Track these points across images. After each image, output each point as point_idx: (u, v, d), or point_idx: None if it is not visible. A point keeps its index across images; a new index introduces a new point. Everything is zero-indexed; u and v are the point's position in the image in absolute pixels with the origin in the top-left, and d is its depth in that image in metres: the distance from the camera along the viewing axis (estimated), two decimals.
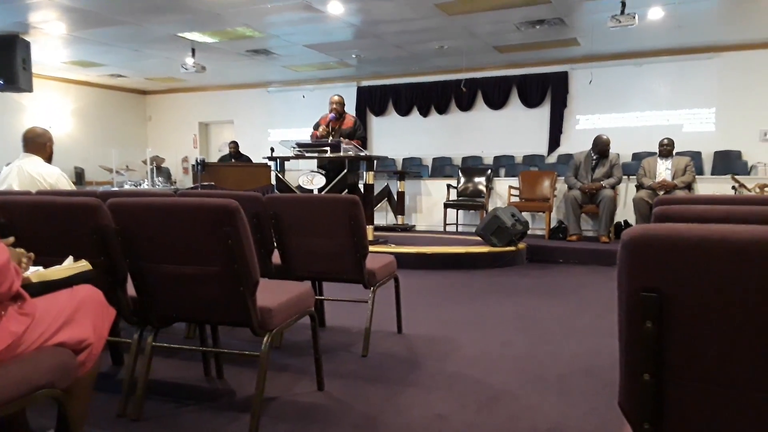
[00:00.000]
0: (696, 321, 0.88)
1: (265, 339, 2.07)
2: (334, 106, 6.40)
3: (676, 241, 0.87)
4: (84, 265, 1.69)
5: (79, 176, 10.25)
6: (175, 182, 10.44)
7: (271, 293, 2.19)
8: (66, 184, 3.73)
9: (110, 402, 2.23)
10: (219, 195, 2.77)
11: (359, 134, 6.42)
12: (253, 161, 9.76)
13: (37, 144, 3.79)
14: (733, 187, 6.71)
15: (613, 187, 6.84)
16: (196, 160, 8.57)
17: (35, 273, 1.58)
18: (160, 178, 9.53)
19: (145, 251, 2.09)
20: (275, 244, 3.06)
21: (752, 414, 0.88)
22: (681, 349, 0.91)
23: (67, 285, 1.64)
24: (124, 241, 2.08)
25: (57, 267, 1.66)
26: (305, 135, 7.21)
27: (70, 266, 1.67)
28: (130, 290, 2.20)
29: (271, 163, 6.76)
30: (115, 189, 7.98)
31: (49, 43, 8.04)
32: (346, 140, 6.00)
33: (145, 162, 9.74)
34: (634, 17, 6.11)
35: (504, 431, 2.10)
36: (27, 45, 7.63)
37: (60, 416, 1.59)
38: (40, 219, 2.10)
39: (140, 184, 8.93)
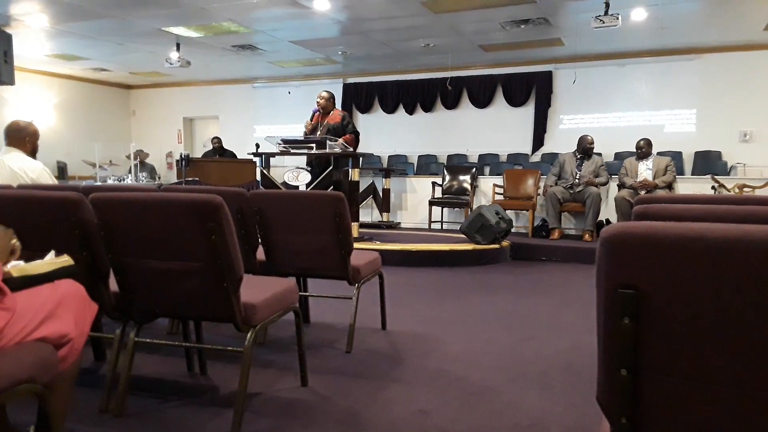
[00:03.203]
0: (672, 317, 0.90)
1: (249, 335, 2.08)
2: (319, 101, 6.39)
3: (654, 239, 0.88)
4: (66, 260, 1.68)
5: (61, 170, 10.12)
6: (159, 177, 10.35)
7: (255, 289, 2.19)
8: (48, 178, 3.68)
9: (92, 397, 2.22)
10: (203, 190, 2.76)
11: (350, 129, 6.39)
12: (238, 157, 9.72)
13: (19, 138, 3.73)
14: (713, 188, 6.82)
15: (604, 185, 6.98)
16: (181, 156, 8.50)
17: (16, 267, 1.56)
18: (144, 173, 9.44)
19: (127, 246, 2.08)
20: (260, 239, 3.05)
21: (726, 408, 0.90)
22: (658, 345, 0.93)
23: (49, 280, 1.63)
24: (107, 236, 2.06)
25: (38, 261, 1.65)
26: (291, 131, 7.19)
27: (52, 261, 1.66)
28: (113, 285, 2.18)
29: (257, 159, 6.74)
30: (98, 184, 7.90)
31: (32, 35, 7.93)
32: (336, 138, 5.98)
33: (128, 157, 9.64)
34: (618, 18, 6.18)
35: (486, 427, 2.12)
36: (9, 38, 7.50)
37: (41, 412, 1.58)
38: (21, 213, 2.07)
39: (124, 179, 8.85)
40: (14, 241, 1.58)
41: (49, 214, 2.03)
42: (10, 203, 2.07)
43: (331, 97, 6.49)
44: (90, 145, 9.71)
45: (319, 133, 6.30)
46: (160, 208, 1.99)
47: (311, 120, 6.44)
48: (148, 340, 2.33)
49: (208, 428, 2.08)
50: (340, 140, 5.98)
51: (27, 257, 1.69)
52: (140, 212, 2.02)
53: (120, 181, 8.76)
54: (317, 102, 6.39)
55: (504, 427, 2.11)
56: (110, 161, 9.90)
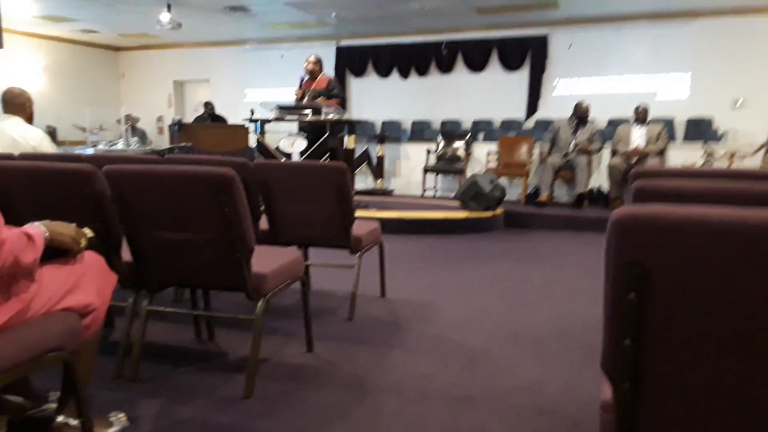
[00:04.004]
0: (674, 293, 0.98)
1: (260, 303, 2.15)
2: (307, 65, 6.36)
3: (660, 221, 0.96)
4: (87, 232, 1.73)
5: (51, 135, 9.95)
6: (150, 143, 10.27)
7: (265, 259, 2.25)
8: (49, 146, 3.69)
9: (105, 364, 2.29)
10: (209, 161, 2.80)
11: (334, 93, 6.36)
12: (229, 122, 9.66)
13: (16, 104, 3.72)
14: (704, 155, 6.91)
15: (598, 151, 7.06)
16: (173, 121, 8.45)
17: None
18: (135, 138, 9.37)
19: (140, 218, 2.13)
20: (263, 209, 3.10)
21: (720, 376, 0.99)
22: (660, 318, 1.01)
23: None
24: (120, 207, 2.11)
25: None
26: (282, 95, 7.16)
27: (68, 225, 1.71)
28: (125, 255, 2.24)
29: (251, 126, 6.72)
30: (91, 151, 7.85)
31: None
32: (326, 101, 5.99)
33: (119, 121, 9.56)
34: None
35: (486, 389, 2.23)
36: None
37: (66, 378, 1.65)
38: (35, 185, 2.11)
39: (115, 144, 8.79)
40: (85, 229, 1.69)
41: (64, 186, 2.06)
42: (24, 175, 2.10)
43: (319, 62, 6.44)
44: (79, 108, 9.60)
45: (306, 99, 6.29)
46: (174, 181, 2.03)
47: (300, 88, 6.44)
48: (161, 308, 2.40)
49: (220, 392, 2.17)
50: (330, 102, 5.98)
51: None
52: (154, 185, 2.06)
53: (111, 146, 8.70)
54: (305, 67, 6.36)
55: (503, 390, 2.22)
56: (100, 126, 9.82)
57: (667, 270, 0.98)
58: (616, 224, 0.99)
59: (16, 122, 3.65)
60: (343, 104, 6.41)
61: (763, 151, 6.69)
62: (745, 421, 1.01)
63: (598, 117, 8.08)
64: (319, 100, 6.13)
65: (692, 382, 1.03)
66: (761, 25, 8.00)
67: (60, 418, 1.73)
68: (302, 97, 6.36)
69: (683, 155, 7.16)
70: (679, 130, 8.43)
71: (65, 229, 1.61)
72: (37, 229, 1.52)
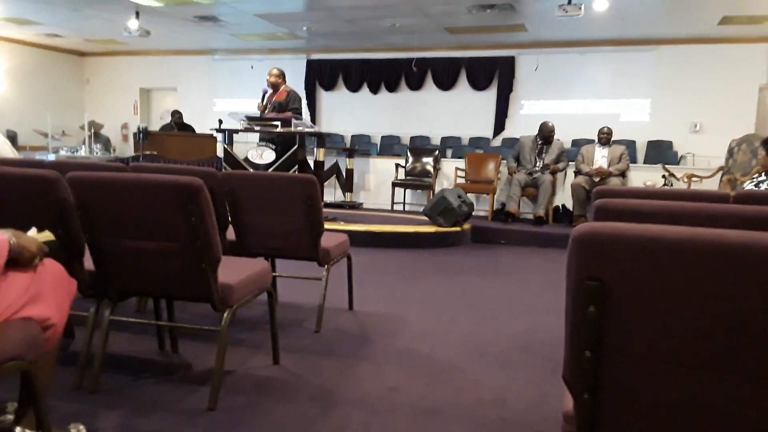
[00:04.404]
0: (632, 306, 1.03)
1: (225, 314, 2.14)
2: (269, 78, 6.39)
3: (618, 238, 1.00)
4: (48, 235, 1.70)
5: (11, 140, 9.72)
6: (114, 150, 10.09)
7: (231, 270, 2.24)
8: (9, 151, 3.61)
9: (65, 374, 2.24)
10: (177, 171, 2.77)
11: (291, 106, 6.40)
12: (197, 131, 9.56)
13: None
14: (664, 176, 7.14)
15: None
16: (138, 128, 8.31)
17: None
18: (98, 145, 9.19)
19: (105, 226, 2.10)
20: (230, 220, 3.09)
21: (675, 385, 1.03)
22: (618, 331, 1.05)
23: None
24: (84, 215, 2.08)
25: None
26: (252, 106, 7.14)
27: (34, 236, 1.67)
28: (88, 264, 2.20)
29: (219, 135, 6.67)
30: (64, 157, 7.67)
31: None
32: (280, 113, 6.05)
33: (82, 127, 9.35)
34: (581, 8, 6.35)
35: (452, 402, 2.25)
36: None
37: (25, 388, 1.61)
38: None
39: (77, 151, 8.60)
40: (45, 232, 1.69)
41: (26, 191, 2.02)
42: None
43: (281, 74, 6.47)
44: (41, 113, 9.36)
45: (267, 110, 6.32)
46: (140, 189, 2.01)
47: (262, 101, 6.45)
48: (122, 318, 2.35)
49: (184, 404, 2.14)
50: (287, 114, 6.04)
51: None
52: (119, 192, 2.04)
53: (74, 152, 8.52)
54: (267, 80, 6.39)
55: (468, 403, 2.25)
56: (63, 131, 9.61)
57: (625, 285, 1.02)
58: (577, 240, 1.03)
59: None
60: (299, 116, 6.41)
61: (719, 174, 6.94)
62: None
63: (562, 137, 8.27)
64: (271, 112, 6.18)
65: (650, 393, 1.07)
66: (718, 53, 8.36)
67: (17, 430, 1.68)
68: (264, 110, 6.38)
69: (644, 176, 7.38)
70: (641, 152, 8.70)
71: (30, 241, 1.59)
72: (1, 236, 1.49)
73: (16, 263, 1.60)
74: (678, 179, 7.05)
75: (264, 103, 6.42)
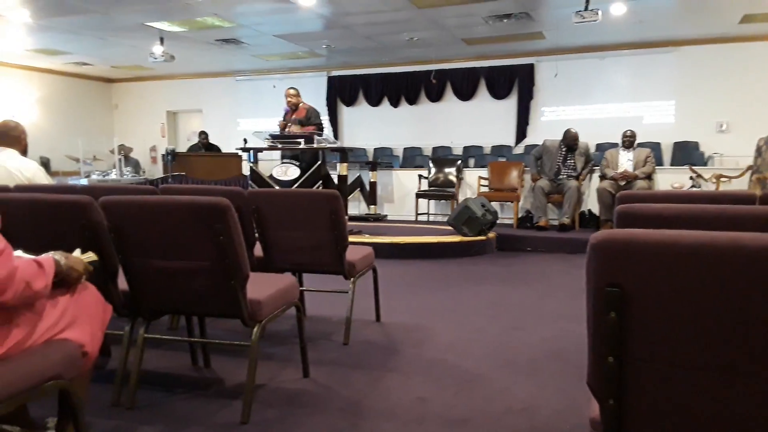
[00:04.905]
0: (652, 312, 1.04)
1: (255, 330, 2.18)
2: (288, 99, 6.57)
3: (635, 245, 1.02)
4: (91, 255, 1.78)
5: (45, 166, 9.91)
6: (143, 172, 10.33)
7: (259, 286, 2.29)
8: (43, 177, 3.72)
9: (101, 392, 2.31)
10: (205, 191, 2.85)
11: (312, 121, 6.56)
12: (222, 151, 9.74)
13: (11, 137, 3.76)
14: (691, 177, 7.03)
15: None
16: (166, 150, 8.52)
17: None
18: (128, 168, 9.44)
19: (136, 247, 2.17)
20: (257, 237, 3.15)
21: (698, 389, 1.04)
22: (639, 336, 1.06)
23: None
24: (116, 237, 2.15)
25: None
26: (274, 125, 7.30)
27: (79, 257, 1.75)
28: (122, 284, 2.27)
29: (244, 154, 6.81)
30: (96, 181, 7.89)
31: (13, 30, 7.86)
32: (302, 128, 6.20)
33: (112, 151, 9.62)
34: (598, 13, 6.33)
35: (481, 411, 2.26)
36: None
37: (64, 406, 1.67)
38: (33, 216, 2.15)
39: (108, 174, 8.84)
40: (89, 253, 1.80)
41: (61, 216, 2.11)
42: (23, 206, 2.14)
43: (298, 93, 6.67)
44: (73, 140, 9.66)
45: (287, 128, 6.47)
46: (169, 211, 2.08)
47: (283, 119, 6.63)
48: (156, 336, 2.42)
49: (217, 418, 2.19)
50: (310, 129, 6.19)
51: None
52: (149, 215, 2.11)
53: (104, 176, 8.75)
54: (288, 100, 6.57)
55: (498, 412, 2.25)
56: (94, 156, 9.88)
57: (644, 290, 1.04)
58: (594, 247, 1.05)
59: (12, 154, 3.68)
60: (320, 130, 6.56)
61: (749, 173, 6.81)
62: None
63: (586, 142, 8.23)
64: (294, 128, 6.33)
65: (674, 398, 1.08)
66: (741, 52, 8.24)
67: None
68: (284, 127, 6.54)
69: (671, 178, 7.28)
70: (666, 154, 8.59)
71: (77, 261, 1.68)
72: (47, 257, 1.57)
73: (63, 283, 1.68)
74: (706, 180, 6.93)
75: (284, 121, 6.59)
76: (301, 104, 6.64)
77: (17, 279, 1.42)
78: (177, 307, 2.37)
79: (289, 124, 6.56)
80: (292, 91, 6.62)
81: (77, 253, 1.77)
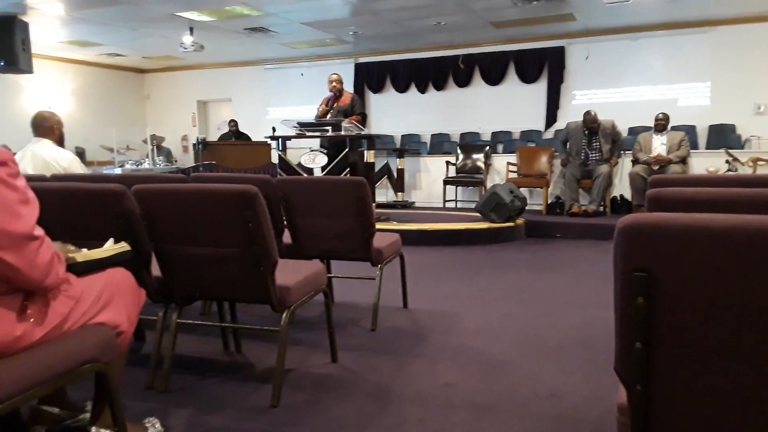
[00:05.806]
0: (680, 297, 1.02)
1: (284, 315, 2.22)
2: (333, 84, 6.50)
3: (663, 229, 1.00)
4: (123, 245, 1.82)
5: (80, 156, 10.25)
6: (176, 161, 10.50)
7: (288, 272, 2.32)
8: (79, 167, 3.83)
9: (136, 375, 2.38)
10: (234, 179, 2.89)
11: (357, 110, 6.53)
12: (252, 139, 9.84)
13: (46, 127, 3.87)
14: (727, 161, 6.84)
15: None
16: (197, 140, 8.63)
17: (80, 253, 1.71)
18: (160, 158, 9.60)
19: (168, 234, 2.22)
20: (285, 224, 3.19)
21: (726, 375, 1.02)
22: (667, 321, 1.05)
23: (111, 263, 1.78)
24: (149, 224, 2.20)
25: (100, 249, 1.79)
26: (303, 113, 7.33)
27: (112, 247, 1.80)
28: (155, 270, 2.33)
29: (273, 143, 6.86)
30: (118, 171, 8.07)
31: (47, 23, 8.04)
32: (346, 119, 6.11)
33: (145, 141, 9.81)
34: None
35: (508, 397, 2.26)
36: (26, 26, 7.62)
37: (100, 389, 1.73)
38: (68, 205, 2.21)
39: (141, 164, 9.02)
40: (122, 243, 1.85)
41: (96, 205, 2.16)
42: (58, 195, 2.20)
43: (341, 79, 6.64)
44: (106, 130, 9.87)
45: (330, 115, 6.44)
46: (200, 199, 2.12)
47: (325, 105, 6.59)
48: (189, 321, 2.48)
49: (248, 402, 2.24)
50: (353, 119, 6.12)
51: (77, 246, 1.84)
52: (181, 202, 2.16)
53: (138, 165, 8.93)
54: (333, 86, 6.51)
55: (525, 398, 2.25)
56: (127, 146, 10.08)
57: (672, 275, 1.02)
58: (622, 232, 1.04)
59: (47, 144, 3.79)
60: (364, 119, 6.54)
61: None
62: (756, 422, 1.03)
63: (619, 126, 8.06)
64: (345, 121, 6.27)
65: (702, 383, 1.06)
66: None
67: (93, 429, 1.81)
68: (326, 114, 6.50)
69: (706, 162, 7.10)
70: (702, 137, 8.36)
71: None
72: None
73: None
74: (742, 164, 6.74)
75: (327, 107, 6.55)
76: (345, 92, 6.63)
77: (56, 264, 1.48)
78: (208, 292, 2.42)
79: (331, 111, 6.53)
80: (335, 77, 6.56)
81: (110, 243, 1.82)
